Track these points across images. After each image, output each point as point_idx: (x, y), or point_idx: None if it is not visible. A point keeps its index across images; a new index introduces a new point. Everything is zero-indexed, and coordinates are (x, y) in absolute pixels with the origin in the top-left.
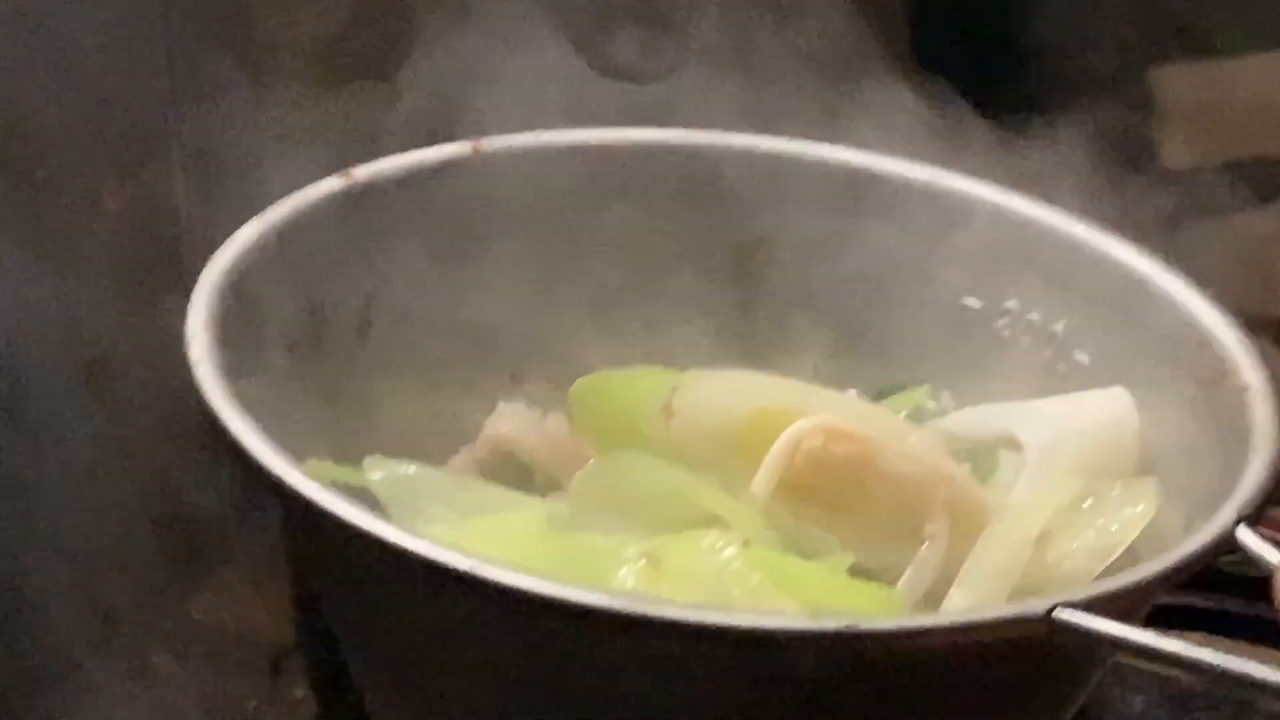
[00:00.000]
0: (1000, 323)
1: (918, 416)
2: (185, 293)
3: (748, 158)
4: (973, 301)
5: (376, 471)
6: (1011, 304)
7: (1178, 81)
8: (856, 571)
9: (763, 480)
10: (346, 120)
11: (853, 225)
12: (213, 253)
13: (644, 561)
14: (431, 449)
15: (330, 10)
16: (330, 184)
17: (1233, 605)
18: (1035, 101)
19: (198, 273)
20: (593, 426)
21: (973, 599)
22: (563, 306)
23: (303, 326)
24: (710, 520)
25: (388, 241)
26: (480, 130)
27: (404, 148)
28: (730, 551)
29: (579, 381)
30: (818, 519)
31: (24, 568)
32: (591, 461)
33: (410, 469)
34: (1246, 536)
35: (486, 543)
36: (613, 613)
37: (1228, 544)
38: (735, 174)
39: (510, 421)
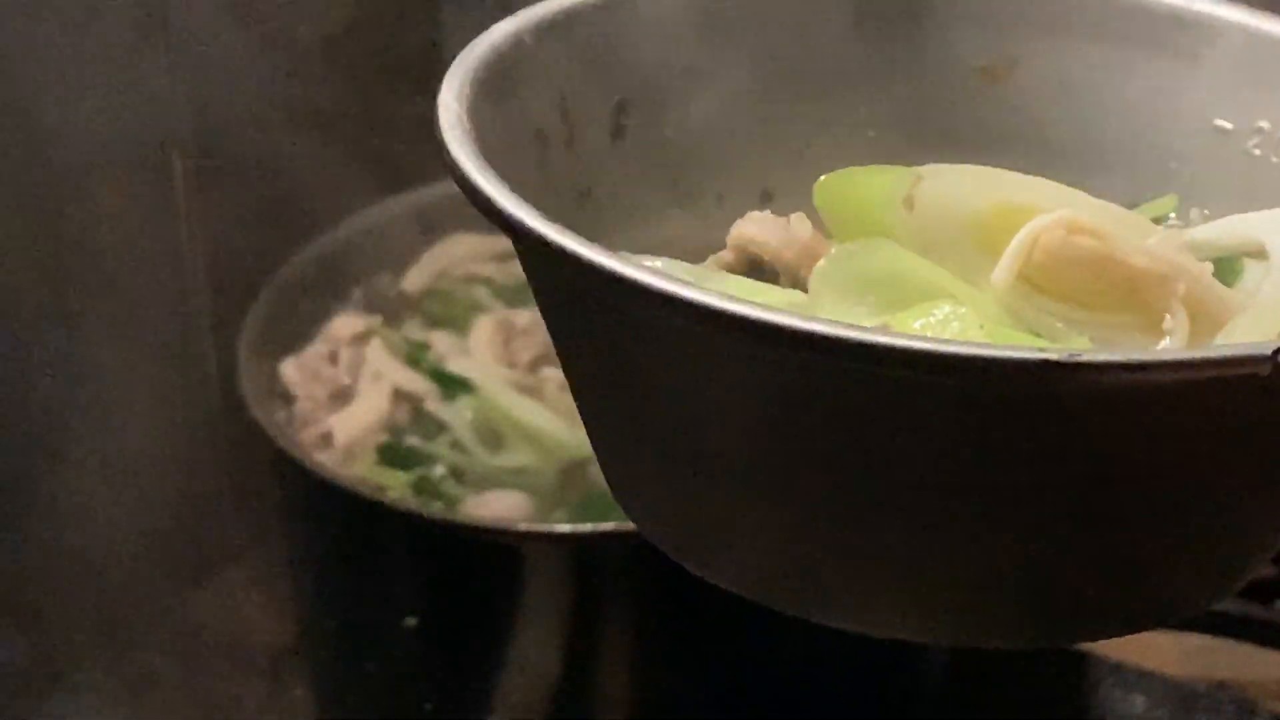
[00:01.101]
0: (1252, 142)
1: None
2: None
3: None
4: (1224, 123)
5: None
6: (1264, 124)
7: None
8: None
9: (1003, 270)
10: None
11: (1101, 50)
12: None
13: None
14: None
15: None
16: None
17: (1233, 606)
18: None
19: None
20: (836, 221)
21: None
22: (813, 123)
23: (554, 123)
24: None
25: (641, 49)
26: None
27: None
28: (959, 325)
29: (822, 179)
30: (1056, 312)
31: (25, 568)
32: (835, 249)
33: (657, 261)
34: None
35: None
36: (851, 341)
37: None
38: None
39: (756, 224)
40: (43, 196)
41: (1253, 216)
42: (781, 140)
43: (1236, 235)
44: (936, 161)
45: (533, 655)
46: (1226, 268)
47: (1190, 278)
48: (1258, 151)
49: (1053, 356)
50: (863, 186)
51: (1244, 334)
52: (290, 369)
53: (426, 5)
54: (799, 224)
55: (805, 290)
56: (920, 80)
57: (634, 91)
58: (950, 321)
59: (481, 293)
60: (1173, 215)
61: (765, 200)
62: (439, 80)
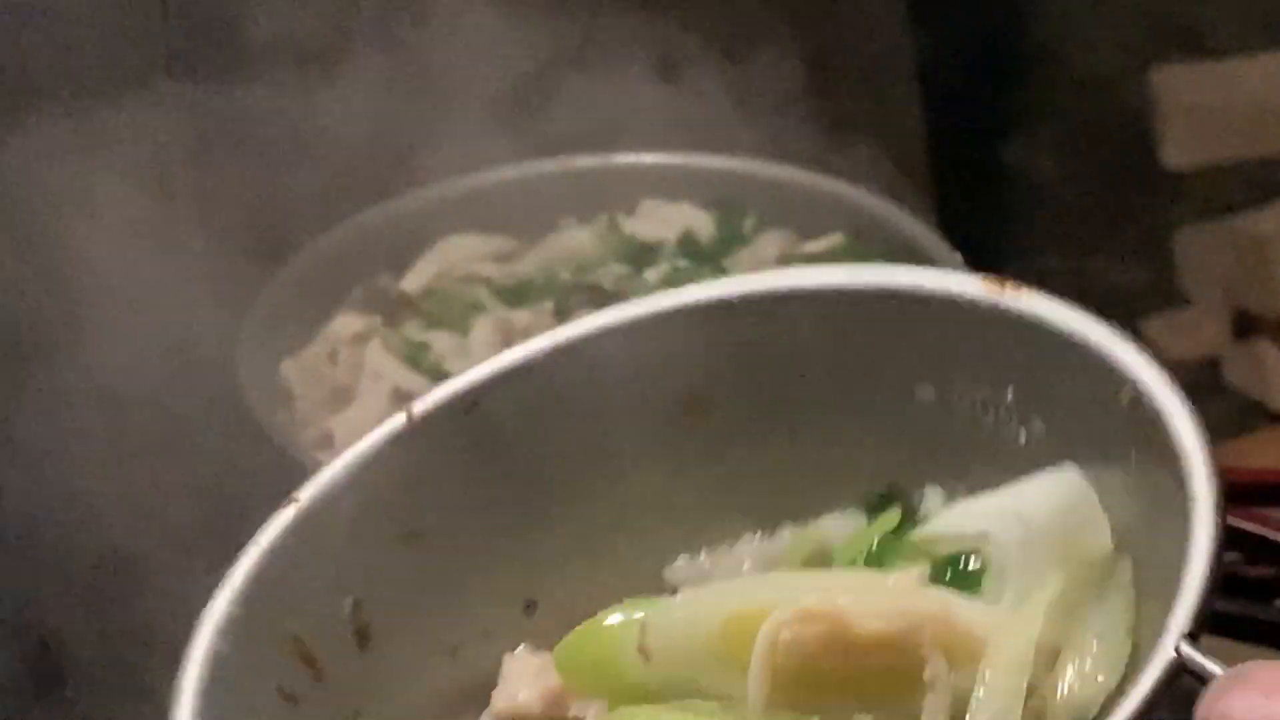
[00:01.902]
0: (956, 405)
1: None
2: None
3: None
4: (926, 389)
5: None
6: (960, 384)
7: (1178, 81)
8: None
9: (754, 689)
10: None
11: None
12: None
13: None
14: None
15: None
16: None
17: (1233, 606)
18: None
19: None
20: (584, 685)
21: None
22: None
23: (295, 672)
24: None
25: (354, 542)
26: None
27: None
28: None
29: (557, 648)
30: (821, 701)
31: (27, 570)
32: None
33: None
34: (1190, 652)
35: None
36: None
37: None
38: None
39: (514, 687)
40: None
41: (971, 506)
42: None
43: (964, 534)
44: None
45: None
46: (965, 579)
47: (933, 620)
48: (966, 415)
49: None
50: (594, 649)
51: (996, 684)
52: (290, 369)
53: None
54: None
55: None
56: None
57: (365, 587)
58: None
59: (481, 293)
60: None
61: (530, 610)
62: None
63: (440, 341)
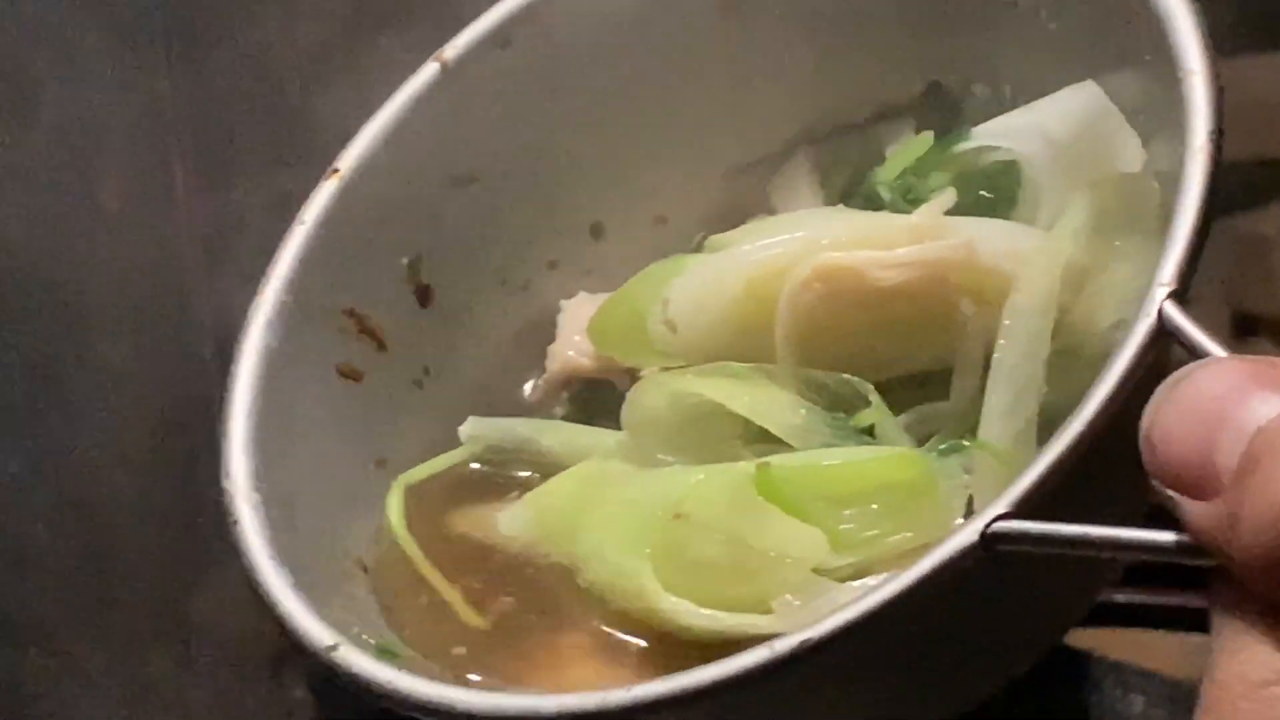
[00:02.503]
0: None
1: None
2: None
3: None
4: None
5: (469, 439)
6: None
7: None
8: (912, 382)
9: (780, 350)
10: None
11: None
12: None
13: (675, 518)
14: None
15: None
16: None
17: None
18: None
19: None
20: (620, 355)
21: (1011, 393)
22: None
23: (356, 348)
24: (747, 427)
25: (411, 201)
26: None
27: None
28: (746, 486)
29: (590, 322)
30: (852, 355)
31: (25, 568)
32: (629, 394)
33: (497, 429)
34: (1177, 319)
35: (563, 503)
36: None
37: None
38: None
39: (564, 348)
40: (44, 196)
41: (997, 125)
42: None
43: (995, 153)
44: None
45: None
46: (1001, 194)
47: (957, 264)
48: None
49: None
50: (624, 319)
51: (1023, 318)
52: None
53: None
54: None
55: None
56: None
57: (422, 241)
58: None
59: None
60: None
61: (597, 234)
62: None
63: None
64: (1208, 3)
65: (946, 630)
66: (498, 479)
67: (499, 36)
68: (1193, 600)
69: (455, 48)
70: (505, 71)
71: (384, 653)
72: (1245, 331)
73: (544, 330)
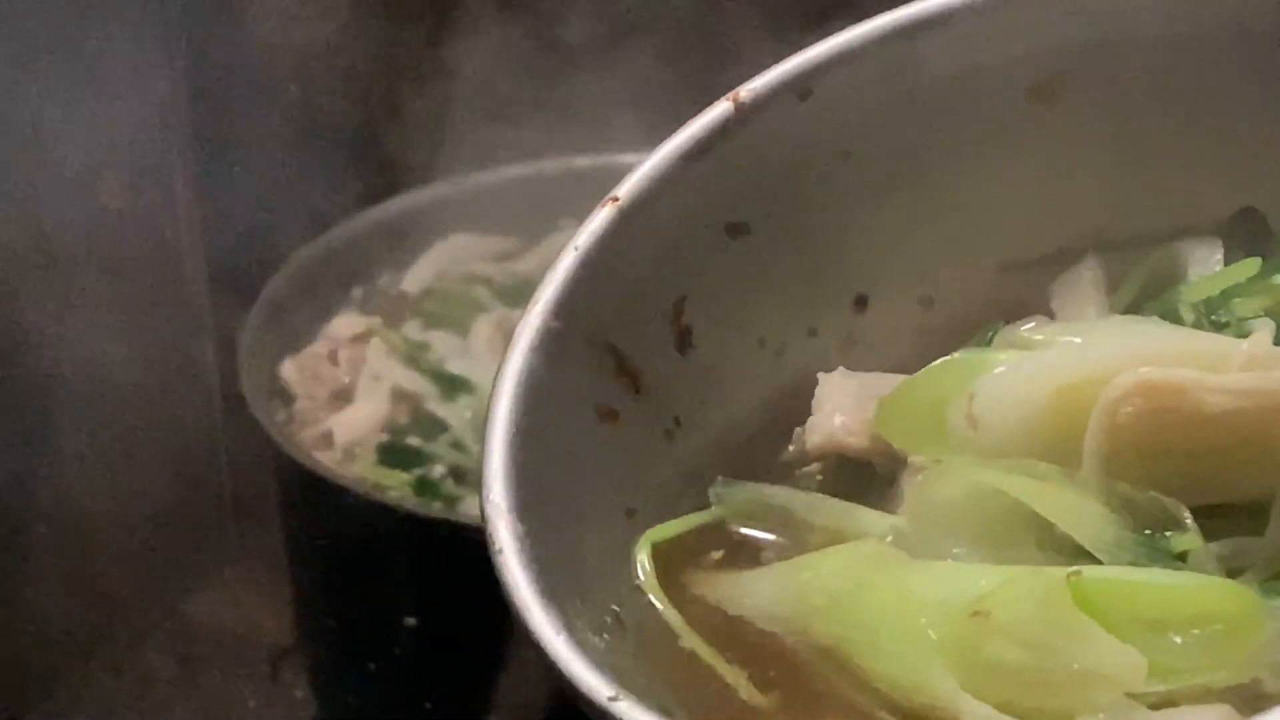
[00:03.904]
0: None
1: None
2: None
3: None
4: None
5: (720, 501)
6: None
7: None
8: (1219, 511)
9: (1089, 460)
10: None
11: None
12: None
13: (974, 615)
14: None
15: None
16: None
17: None
18: None
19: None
20: (907, 443)
21: None
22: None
23: (611, 388)
24: (1045, 526)
25: (682, 240)
26: None
27: None
28: (1058, 594)
29: (879, 402)
30: (1159, 477)
31: (25, 568)
32: (922, 477)
33: (751, 494)
34: None
35: (832, 581)
36: None
37: None
38: None
39: (828, 422)
40: (44, 196)
41: None
42: (865, 249)
43: None
44: None
45: (533, 655)
46: None
47: None
48: None
49: None
50: (920, 407)
51: None
52: (290, 369)
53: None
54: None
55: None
56: None
57: (688, 284)
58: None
59: (481, 293)
60: None
61: (860, 307)
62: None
63: (441, 341)
64: None
65: None
66: (742, 544)
67: (800, 86)
68: None
69: (752, 90)
70: (799, 122)
71: (661, 709)
72: None
73: (795, 399)
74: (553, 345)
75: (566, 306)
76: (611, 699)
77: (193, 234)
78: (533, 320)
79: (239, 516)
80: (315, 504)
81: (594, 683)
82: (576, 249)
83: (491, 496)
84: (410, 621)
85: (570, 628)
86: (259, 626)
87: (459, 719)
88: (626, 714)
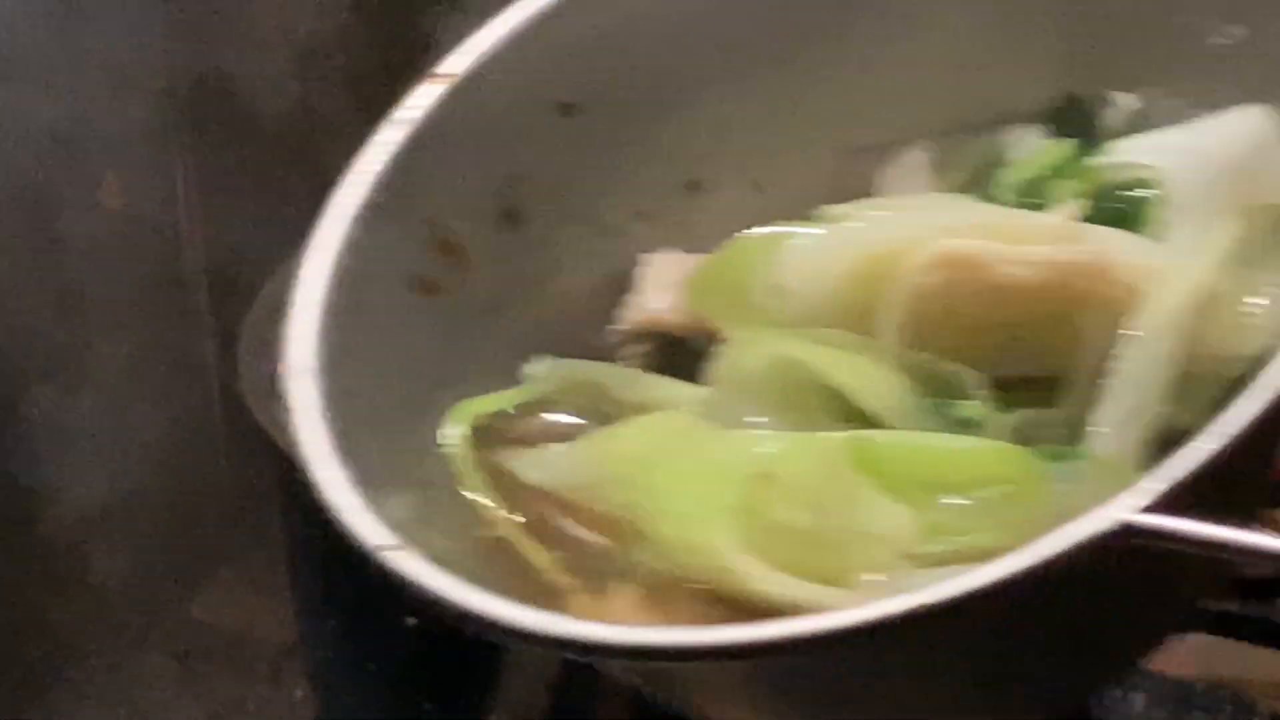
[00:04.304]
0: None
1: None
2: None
3: None
4: None
5: (536, 378)
6: None
7: None
8: (1018, 383)
9: (887, 329)
10: None
11: None
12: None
13: (760, 477)
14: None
15: None
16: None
17: (1233, 606)
18: None
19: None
20: (715, 313)
21: (1124, 410)
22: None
23: (436, 254)
24: (843, 399)
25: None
26: None
27: None
28: (839, 457)
29: (687, 279)
30: (961, 347)
31: (25, 568)
32: (726, 348)
33: (567, 369)
34: None
35: (633, 449)
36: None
37: None
38: None
39: (648, 299)
40: (44, 195)
41: (1146, 141)
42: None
43: (1135, 169)
44: None
45: (533, 655)
46: (1134, 209)
47: (1087, 270)
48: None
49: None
50: (728, 276)
51: (1159, 317)
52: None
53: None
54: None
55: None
56: None
57: (518, 162)
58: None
59: None
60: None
61: (692, 190)
62: None
63: None
64: None
65: (1052, 622)
66: (557, 425)
67: None
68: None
69: None
70: (636, 4)
71: (441, 564)
72: None
73: (624, 281)
74: (371, 215)
75: (389, 179)
76: (384, 547)
77: (193, 234)
78: (352, 191)
79: (239, 516)
80: (315, 504)
81: (368, 531)
82: (400, 123)
83: (292, 357)
84: (410, 621)
85: (363, 484)
86: (259, 626)
87: (459, 719)
88: (395, 563)
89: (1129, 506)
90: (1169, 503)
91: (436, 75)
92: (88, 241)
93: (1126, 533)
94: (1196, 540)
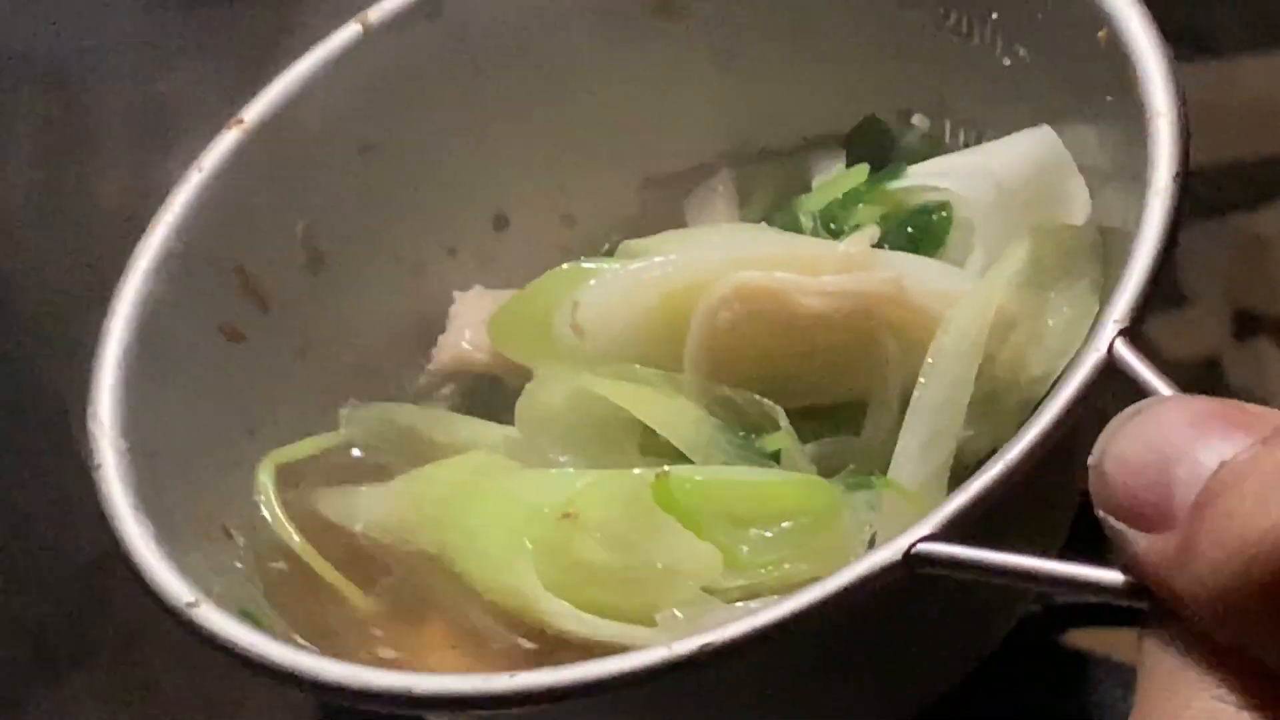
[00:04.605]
0: (947, 23)
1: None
2: None
3: None
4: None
5: (348, 423)
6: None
7: None
8: (822, 413)
9: (689, 364)
10: None
11: None
12: None
13: (563, 517)
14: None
15: None
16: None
17: None
18: None
19: None
20: (519, 354)
21: (927, 435)
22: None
23: (239, 300)
24: (647, 430)
25: (307, 168)
26: None
27: None
28: (643, 493)
29: (490, 318)
30: (760, 380)
31: (24, 568)
32: (528, 386)
33: (378, 414)
34: (1127, 357)
35: (439, 490)
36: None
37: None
38: None
39: (457, 339)
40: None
41: (941, 164)
42: (501, 168)
43: (931, 192)
44: None
45: None
46: (929, 231)
47: (884, 298)
48: (956, 32)
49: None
50: (528, 317)
51: (956, 342)
52: None
53: None
54: None
55: None
56: None
57: (320, 204)
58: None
59: None
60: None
61: (500, 226)
62: None
63: None
64: (1208, 3)
65: (853, 652)
66: (371, 465)
67: (427, 6)
68: None
69: (380, 11)
70: (428, 42)
71: (246, 615)
72: (1245, 332)
73: (434, 320)
74: (173, 265)
75: (188, 228)
76: (190, 604)
77: None
78: (152, 241)
79: None
80: None
81: (177, 589)
82: (200, 170)
83: (95, 413)
84: None
85: (166, 540)
86: None
87: None
88: (205, 619)
89: (914, 535)
90: (954, 530)
91: (236, 120)
92: (89, 241)
93: (910, 561)
94: (982, 567)
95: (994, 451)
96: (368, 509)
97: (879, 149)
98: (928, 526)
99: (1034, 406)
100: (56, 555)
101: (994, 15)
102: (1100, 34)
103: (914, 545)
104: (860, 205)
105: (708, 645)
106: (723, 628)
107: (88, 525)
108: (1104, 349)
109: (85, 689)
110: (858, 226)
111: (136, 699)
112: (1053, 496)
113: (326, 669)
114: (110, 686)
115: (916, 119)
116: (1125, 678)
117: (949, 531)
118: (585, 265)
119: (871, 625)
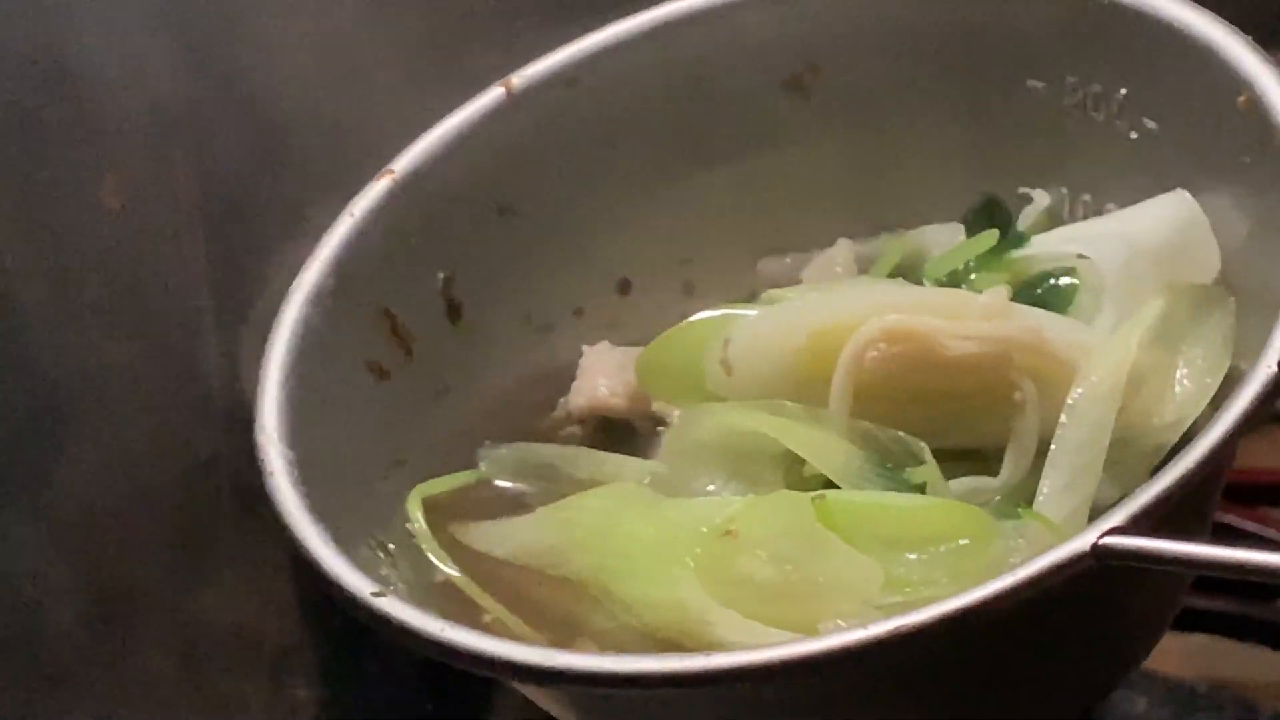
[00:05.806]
0: (1067, 101)
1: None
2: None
3: None
4: (1035, 83)
5: (487, 461)
6: (1071, 79)
7: None
8: (958, 455)
9: (836, 401)
10: None
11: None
12: None
13: (724, 534)
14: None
15: None
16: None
17: (1233, 606)
18: None
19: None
20: (664, 392)
21: (1069, 474)
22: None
23: (384, 341)
24: (793, 462)
25: (450, 218)
26: None
27: None
28: (803, 512)
29: (638, 358)
30: (904, 418)
31: (24, 568)
32: (674, 420)
33: (518, 453)
34: None
35: (589, 518)
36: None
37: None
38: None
39: (594, 380)
40: (44, 194)
41: (1074, 230)
42: (627, 234)
43: (1062, 254)
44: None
45: None
46: (1056, 294)
47: (1023, 344)
48: (1077, 111)
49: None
50: (677, 355)
51: (1085, 412)
52: None
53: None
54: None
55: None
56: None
57: (459, 258)
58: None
59: None
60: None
61: (623, 290)
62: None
63: None
64: (1209, 3)
65: (1036, 642)
66: (509, 499)
67: (567, 74)
68: (1196, 601)
69: (523, 77)
70: (567, 110)
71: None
72: None
73: (559, 377)
74: (327, 300)
75: (341, 266)
76: (376, 594)
77: (193, 234)
78: (309, 275)
79: (239, 516)
80: None
81: (359, 582)
82: (352, 215)
83: (264, 426)
84: None
85: (339, 540)
86: (260, 626)
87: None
88: (389, 609)
89: (1097, 530)
90: (1134, 525)
91: (387, 171)
92: (88, 242)
93: (1097, 552)
94: (1159, 556)
95: (1122, 498)
96: (510, 537)
97: (998, 226)
98: (1115, 519)
99: (1166, 453)
100: (58, 554)
101: (1122, 92)
102: (1240, 99)
103: (1101, 537)
104: (984, 273)
105: (902, 626)
106: (914, 613)
107: (89, 524)
108: (1274, 365)
109: (86, 688)
110: (985, 288)
111: (136, 699)
112: (1213, 494)
113: (520, 653)
114: (110, 686)
115: (1036, 194)
116: (1127, 678)
117: (1136, 525)
118: (733, 309)
119: (1058, 615)
